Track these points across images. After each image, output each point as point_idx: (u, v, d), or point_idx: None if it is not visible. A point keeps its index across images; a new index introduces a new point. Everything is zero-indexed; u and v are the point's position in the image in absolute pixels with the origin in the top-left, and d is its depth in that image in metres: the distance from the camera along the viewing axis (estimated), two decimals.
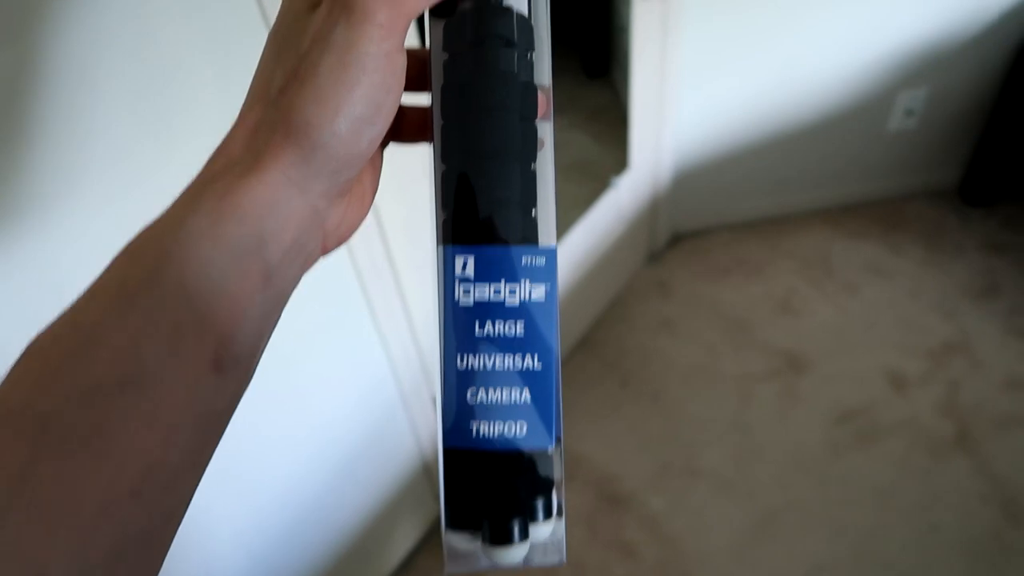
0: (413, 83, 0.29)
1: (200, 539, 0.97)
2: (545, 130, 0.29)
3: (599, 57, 2.48)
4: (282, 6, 0.28)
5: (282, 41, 0.27)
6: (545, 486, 0.28)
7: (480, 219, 0.27)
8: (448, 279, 0.27)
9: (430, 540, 1.49)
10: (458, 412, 0.28)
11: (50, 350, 0.22)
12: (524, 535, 0.27)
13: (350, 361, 1.10)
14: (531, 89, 0.28)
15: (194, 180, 0.26)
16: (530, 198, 0.28)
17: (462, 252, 0.27)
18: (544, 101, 0.29)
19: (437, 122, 0.28)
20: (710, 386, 1.68)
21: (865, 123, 1.89)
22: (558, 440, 0.28)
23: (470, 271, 0.27)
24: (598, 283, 1.80)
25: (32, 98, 0.54)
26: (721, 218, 2.06)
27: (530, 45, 0.28)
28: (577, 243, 1.62)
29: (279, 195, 0.24)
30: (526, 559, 0.28)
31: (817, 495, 1.47)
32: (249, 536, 1.06)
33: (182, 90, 0.66)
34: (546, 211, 0.28)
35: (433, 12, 0.28)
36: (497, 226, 0.27)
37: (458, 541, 0.28)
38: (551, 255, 0.28)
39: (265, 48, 0.28)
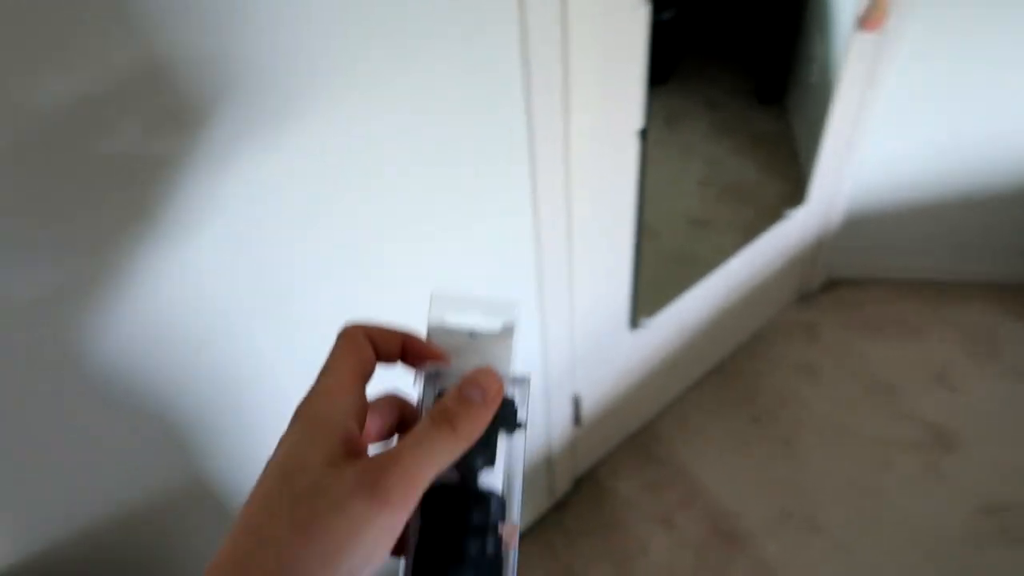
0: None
1: None
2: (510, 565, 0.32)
3: (775, 84, 2.40)
4: (294, 448, 0.29)
5: (292, 489, 0.28)
6: None
7: None
8: None
9: (536, 531, 1.50)
10: None
11: None
12: None
13: None
14: (498, 560, 0.31)
15: None
16: None
17: None
18: (511, 536, 0.32)
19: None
20: (846, 443, 1.61)
21: None
22: None
23: None
24: (744, 312, 1.75)
25: None
26: (883, 271, 1.96)
27: (502, 516, 0.32)
28: (733, 269, 1.58)
29: None
30: None
31: None
32: None
33: None
34: None
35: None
36: None
37: None
38: None
39: (267, 480, 0.29)
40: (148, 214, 0.59)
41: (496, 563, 0.31)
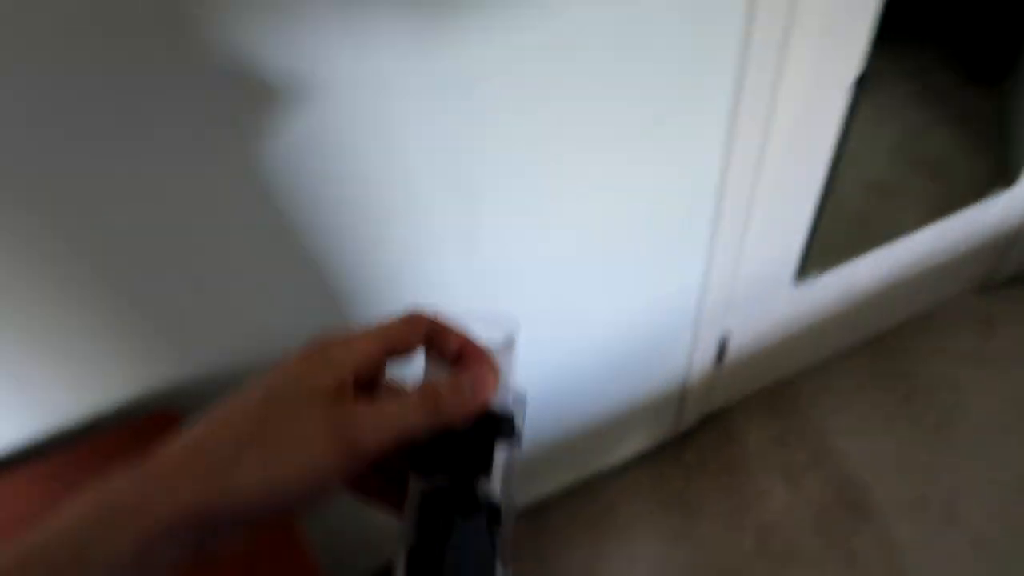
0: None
1: None
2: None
3: (994, 62, 2.17)
4: (288, 375, 0.30)
5: (269, 396, 0.29)
6: None
7: None
8: None
9: (652, 458, 1.54)
10: None
11: None
12: None
13: (669, 265, 1.13)
14: (491, 567, 0.31)
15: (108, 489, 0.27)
16: None
17: None
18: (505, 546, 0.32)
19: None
20: (1003, 442, 1.52)
21: None
22: None
23: None
24: (917, 290, 1.65)
25: None
26: None
27: (496, 519, 0.32)
28: (915, 243, 1.50)
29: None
30: None
31: None
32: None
33: None
34: None
35: (414, 465, 0.32)
36: None
37: None
38: None
39: (251, 389, 0.29)
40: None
41: (489, 569, 0.32)
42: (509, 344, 0.34)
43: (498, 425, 0.32)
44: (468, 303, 0.95)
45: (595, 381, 1.27)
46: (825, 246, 1.38)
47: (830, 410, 1.59)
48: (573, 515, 1.46)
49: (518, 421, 0.33)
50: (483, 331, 0.34)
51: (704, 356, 1.38)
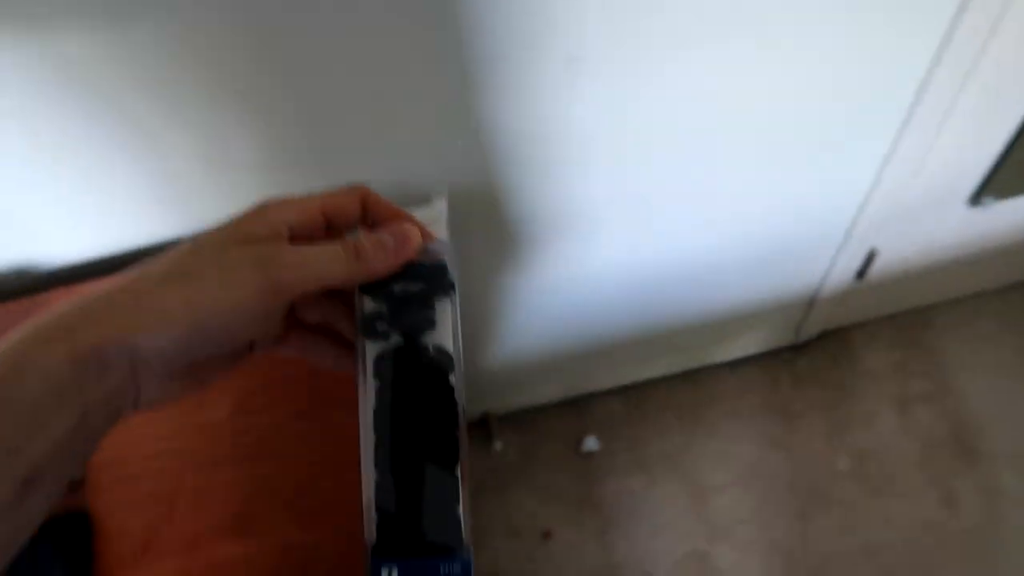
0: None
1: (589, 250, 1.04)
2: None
3: None
4: (222, 229, 0.30)
5: (196, 243, 0.29)
6: None
7: (408, 528, 0.31)
8: None
9: (765, 361, 1.50)
10: None
11: None
12: None
13: (839, 169, 1.03)
14: (453, 411, 0.32)
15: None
16: (453, 500, 0.32)
17: (387, 564, 0.31)
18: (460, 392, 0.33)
19: (368, 435, 0.32)
20: None
21: None
22: None
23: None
24: None
25: None
26: None
27: (451, 367, 0.33)
28: None
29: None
30: None
31: None
32: (628, 267, 1.12)
33: None
34: (461, 509, 0.32)
35: (364, 331, 0.32)
36: (425, 533, 0.31)
37: None
38: (465, 562, 0.31)
39: (194, 236, 0.29)
40: None
41: (452, 414, 0.33)
42: (438, 215, 0.37)
43: (434, 279, 0.33)
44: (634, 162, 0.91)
45: (728, 272, 1.22)
46: (1013, 171, 1.23)
47: (961, 347, 1.49)
48: (672, 402, 1.46)
49: (452, 273, 0.34)
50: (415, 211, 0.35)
51: (845, 269, 1.30)
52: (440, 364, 0.33)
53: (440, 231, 0.35)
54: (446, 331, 0.33)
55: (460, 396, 0.33)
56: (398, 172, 0.80)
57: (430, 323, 0.33)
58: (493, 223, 0.93)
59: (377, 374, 0.33)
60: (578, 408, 1.47)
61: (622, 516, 1.36)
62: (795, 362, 1.50)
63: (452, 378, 0.33)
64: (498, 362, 1.30)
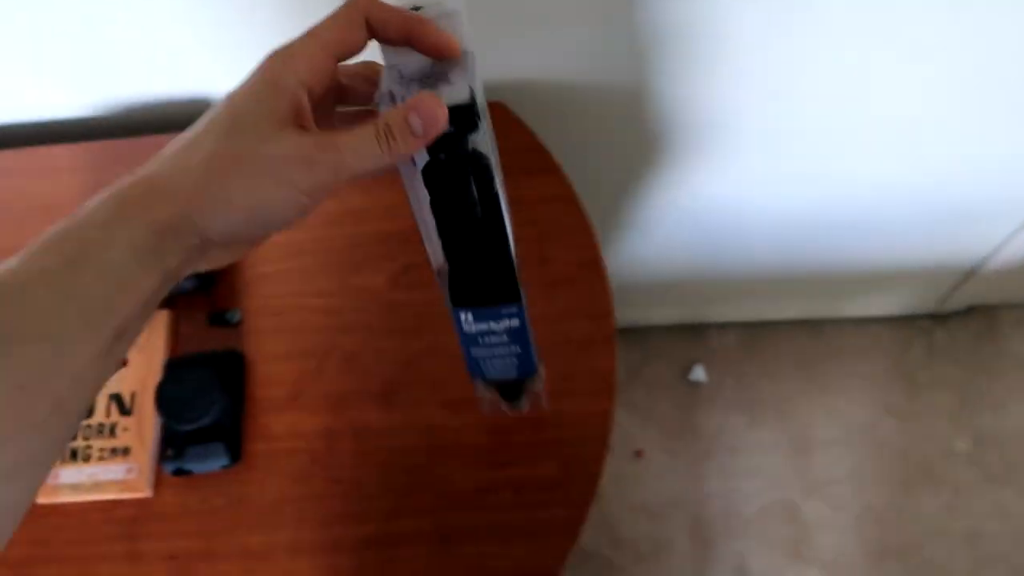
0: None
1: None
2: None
3: None
4: (243, 100, 0.32)
5: (233, 126, 0.31)
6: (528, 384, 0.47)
7: (475, 288, 0.41)
8: (457, 321, 0.42)
9: (900, 324, 1.41)
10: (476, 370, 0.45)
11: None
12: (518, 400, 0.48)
13: None
14: (496, 196, 0.37)
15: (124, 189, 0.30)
16: (508, 263, 0.40)
17: (463, 310, 0.41)
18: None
19: (430, 234, 0.38)
20: None
21: None
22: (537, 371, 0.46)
23: (471, 318, 0.42)
24: None
25: None
26: None
27: (493, 167, 0.36)
28: None
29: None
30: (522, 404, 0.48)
31: None
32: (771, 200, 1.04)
33: None
34: (516, 270, 0.40)
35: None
36: (488, 292, 0.41)
37: (488, 393, 0.48)
38: (520, 307, 0.41)
39: (209, 119, 0.32)
40: None
41: (496, 204, 0.37)
42: (454, 12, 0.34)
43: (461, 122, 0.34)
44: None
45: (890, 223, 1.12)
46: None
47: None
48: (792, 348, 1.40)
49: (478, 97, 0.34)
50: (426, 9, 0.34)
51: (1020, 247, 1.18)
52: (481, 164, 0.36)
53: (459, 31, 0.34)
54: (482, 137, 0.36)
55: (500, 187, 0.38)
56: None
57: (466, 148, 0.36)
58: (629, 121, 0.86)
59: (425, 178, 0.37)
60: (691, 335, 1.42)
61: (718, 451, 1.34)
62: (932, 332, 1.40)
63: (494, 168, 0.37)
64: (614, 270, 1.24)
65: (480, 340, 0.43)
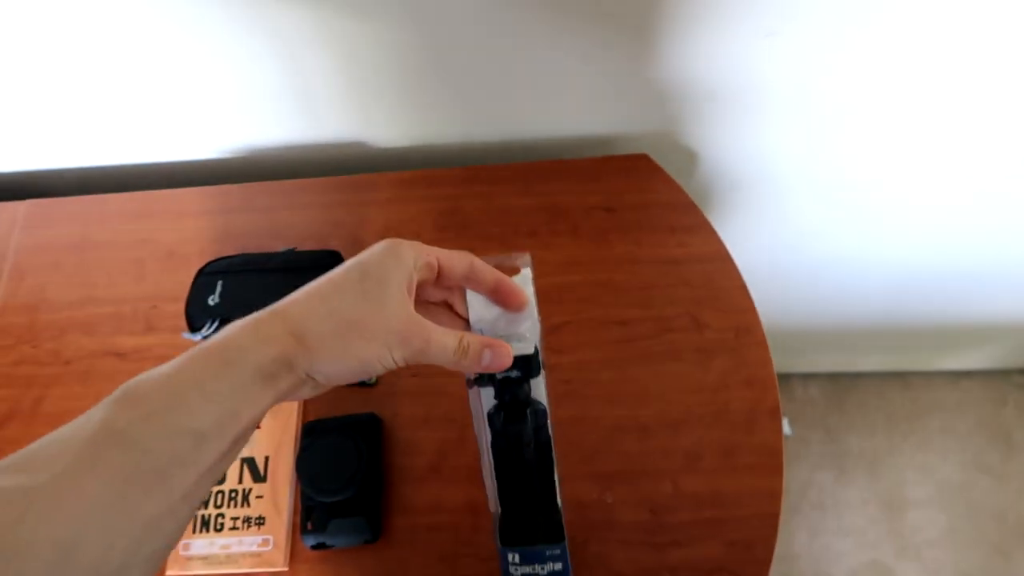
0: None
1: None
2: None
3: None
4: (382, 262, 0.39)
5: (373, 285, 0.38)
6: None
7: (523, 529, 0.47)
8: (504, 563, 0.47)
9: (993, 379, 1.36)
10: None
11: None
12: None
13: None
14: (549, 441, 0.47)
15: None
16: (554, 506, 0.47)
17: (511, 551, 0.47)
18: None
19: (490, 473, 0.46)
20: None
21: None
22: None
23: (517, 559, 0.47)
24: None
25: None
26: None
27: (546, 417, 0.46)
28: None
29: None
30: None
31: None
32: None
33: None
34: (560, 511, 0.48)
35: (479, 382, 0.46)
36: (532, 527, 0.47)
37: None
38: (563, 548, 0.47)
39: (352, 271, 0.38)
40: None
41: (548, 447, 0.46)
42: (526, 279, 0.44)
43: (526, 368, 0.44)
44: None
45: (986, 277, 1.08)
46: None
47: None
48: (880, 402, 1.35)
49: (539, 355, 0.45)
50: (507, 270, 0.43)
51: None
52: (537, 411, 0.46)
53: (528, 291, 0.44)
54: (541, 394, 0.46)
55: (551, 432, 0.47)
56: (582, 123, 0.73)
57: (526, 394, 0.45)
58: (685, 177, 0.82)
59: (489, 419, 0.46)
60: None
61: (807, 507, 1.29)
62: None
63: (549, 423, 0.47)
64: None
65: None
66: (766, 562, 0.60)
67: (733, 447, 0.63)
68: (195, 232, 0.78)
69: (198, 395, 0.32)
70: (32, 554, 0.27)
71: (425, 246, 0.40)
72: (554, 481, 0.46)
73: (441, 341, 0.39)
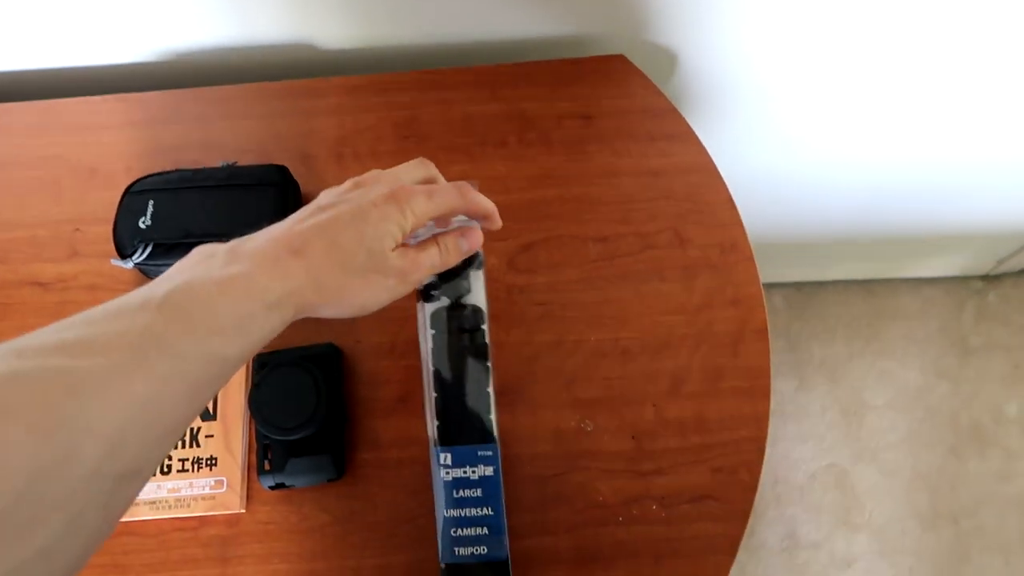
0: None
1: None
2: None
3: None
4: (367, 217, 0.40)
5: (348, 242, 0.40)
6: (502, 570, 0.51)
7: (456, 428, 0.50)
8: (436, 465, 0.50)
9: (953, 286, 1.36)
10: (448, 542, 0.50)
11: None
12: None
13: None
14: (485, 346, 0.51)
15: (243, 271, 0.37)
16: (487, 409, 0.51)
17: (444, 450, 0.50)
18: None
19: (428, 368, 0.51)
20: None
21: None
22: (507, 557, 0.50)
23: (449, 461, 0.50)
24: None
25: None
26: None
27: (483, 319, 0.51)
28: None
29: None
30: None
31: None
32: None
33: None
34: (492, 415, 0.51)
35: (423, 297, 0.51)
36: (466, 432, 0.50)
37: None
38: (495, 450, 0.50)
39: (336, 220, 0.40)
40: None
41: (484, 349, 0.51)
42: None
43: (471, 257, 0.49)
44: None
45: (960, 187, 1.06)
46: None
47: None
48: (842, 310, 1.35)
49: (481, 252, 0.49)
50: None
51: None
52: (476, 316, 0.51)
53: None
54: (479, 294, 0.51)
55: (488, 337, 0.51)
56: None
57: (468, 289, 0.51)
58: (665, 76, 0.77)
59: (433, 325, 0.51)
60: None
61: None
62: (985, 294, 1.36)
63: (484, 326, 0.51)
64: None
65: (456, 494, 0.50)
66: (752, 488, 0.58)
67: (718, 370, 0.60)
68: (118, 147, 0.69)
69: (235, 329, 0.35)
70: (91, 441, 0.27)
71: (424, 198, 0.42)
72: (488, 381, 0.51)
73: (429, 259, 0.44)
